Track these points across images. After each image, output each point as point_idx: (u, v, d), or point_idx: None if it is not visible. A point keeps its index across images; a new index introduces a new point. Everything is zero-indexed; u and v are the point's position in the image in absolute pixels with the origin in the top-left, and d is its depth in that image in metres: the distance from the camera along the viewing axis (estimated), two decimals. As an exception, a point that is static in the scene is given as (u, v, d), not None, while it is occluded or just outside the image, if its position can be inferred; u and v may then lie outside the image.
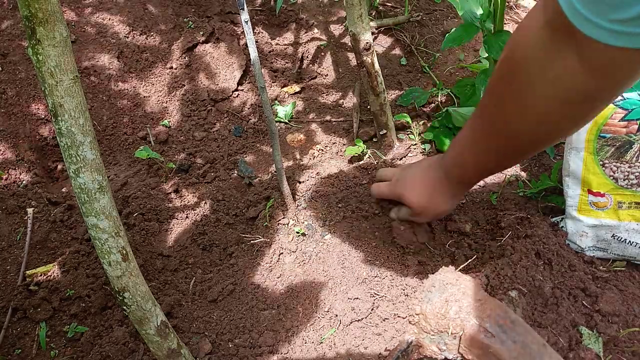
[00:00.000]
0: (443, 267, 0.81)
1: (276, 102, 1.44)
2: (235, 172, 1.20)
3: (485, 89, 0.72)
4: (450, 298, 0.73)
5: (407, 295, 0.87)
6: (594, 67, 0.54)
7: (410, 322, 0.79)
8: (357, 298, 0.87)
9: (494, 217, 1.03)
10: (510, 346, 0.65)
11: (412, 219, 0.95)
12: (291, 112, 1.39)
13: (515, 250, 0.89)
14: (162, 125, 1.38)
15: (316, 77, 1.53)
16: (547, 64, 0.58)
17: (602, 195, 0.93)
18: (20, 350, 0.85)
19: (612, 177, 0.92)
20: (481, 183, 1.14)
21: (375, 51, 1.15)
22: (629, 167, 0.90)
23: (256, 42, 1.57)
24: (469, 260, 0.91)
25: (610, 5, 0.46)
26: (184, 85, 1.46)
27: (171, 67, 1.49)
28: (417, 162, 0.99)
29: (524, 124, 0.66)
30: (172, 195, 1.15)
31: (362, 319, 0.84)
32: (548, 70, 0.58)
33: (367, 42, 1.10)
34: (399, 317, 0.84)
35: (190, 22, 1.56)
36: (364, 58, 1.12)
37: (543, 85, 0.60)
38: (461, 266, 0.86)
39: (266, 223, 1.02)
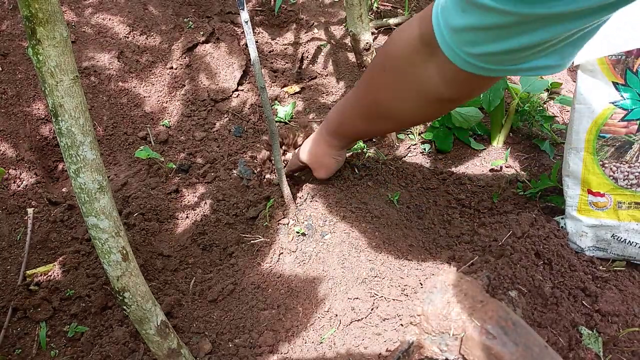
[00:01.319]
0: (445, 268, 0.81)
1: (276, 102, 1.44)
2: (235, 172, 1.20)
3: (367, 68, 0.86)
4: (452, 299, 0.73)
5: (408, 295, 0.87)
6: (447, 80, 0.67)
7: (411, 322, 0.79)
8: (357, 298, 0.87)
9: (495, 217, 1.03)
10: (512, 348, 0.65)
11: (314, 175, 1.06)
12: (291, 112, 1.39)
13: (515, 250, 0.89)
14: (162, 125, 1.38)
15: (316, 77, 1.53)
16: (415, 65, 0.70)
17: (602, 195, 0.93)
18: (20, 350, 0.85)
19: (611, 177, 0.92)
20: (481, 183, 1.14)
21: (375, 51, 1.15)
22: (629, 167, 0.90)
23: (256, 42, 1.57)
24: (471, 261, 0.91)
25: (467, 42, 0.58)
26: (184, 86, 1.46)
27: (171, 67, 1.49)
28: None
29: (388, 102, 0.80)
30: (172, 195, 1.15)
31: (362, 319, 0.84)
32: (415, 70, 0.71)
33: (367, 42, 1.10)
34: (399, 317, 0.84)
35: (190, 22, 1.56)
36: (364, 58, 1.12)
37: (408, 79, 0.73)
38: (462, 267, 0.86)
39: (266, 223, 1.02)
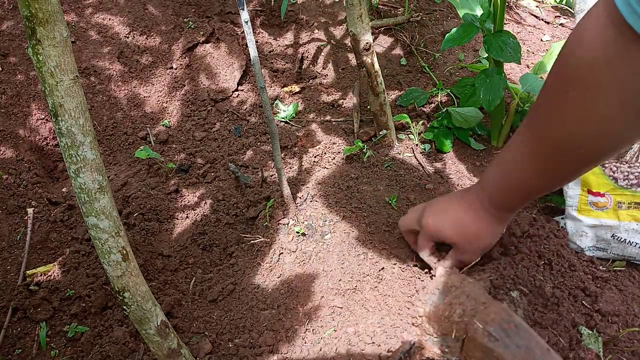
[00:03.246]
0: (447, 269, 0.81)
1: (277, 102, 1.44)
2: (231, 166, 1.20)
3: (538, 96, 0.65)
4: (454, 301, 0.73)
5: (409, 296, 0.87)
6: None
7: (413, 324, 0.79)
8: (358, 297, 0.87)
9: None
10: (514, 350, 0.65)
11: (460, 259, 0.83)
12: (292, 113, 1.39)
13: (517, 251, 0.89)
14: (162, 125, 1.38)
15: (316, 77, 1.53)
16: (614, 64, 0.52)
17: (602, 195, 0.93)
18: (20, 350, 0.85)
19: (611, 177, 0.92)
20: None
21: (375, 51, 1.15)
22: (629, 167, 0.90)
23: (256, 42, 1.57)
24: (472, 262, 0.91)
25: None
26: (184, 86, 1.46)
27: (171, 67, 1.49)
28: (443, 197, 0.89)
29: (585, 132, 0.59)
30: (172, 195, 1.15)
31: (362, 319, 0.84)
32: (615, 72, 0.53)
33: (367, 42, 1.10)
34: (400, 318, 0.84)
35: (190, 22, 1.56)
36: (364, 58, 1.12)
37: (609, 87, 0.54)
38: (465, 268, 0.86)
39: (266, 223, 1.02)
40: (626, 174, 0.91)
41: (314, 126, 1.35)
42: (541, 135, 0.65)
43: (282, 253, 0.96)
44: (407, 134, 1.29)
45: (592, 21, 0.54)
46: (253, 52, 0.83)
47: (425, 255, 0.88)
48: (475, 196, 0.79)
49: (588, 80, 0.55)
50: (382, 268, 0.91)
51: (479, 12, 1.17)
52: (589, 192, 0.94)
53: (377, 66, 1.14)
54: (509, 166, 0.72)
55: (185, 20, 1.57)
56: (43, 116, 1.31)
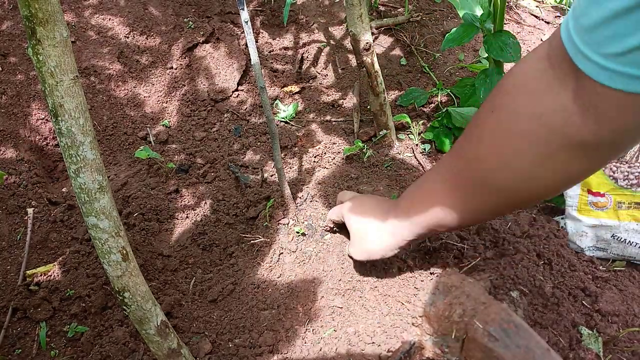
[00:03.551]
0: (447, 269, 0.81)
1: (277, 102, 1.44)
2: (231, 166, 1.20)
3: (472, 117, 0.63)
4: (454, 301, 0.73)
5: (409, 296, 0.87)
6: (587, 107, 0.46)
7: (413, 324, 0.79)
8: (358, 298, 0.87)
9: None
10: (514, 350, 0.65)
11: (348, 250, 0.85)
12: (292, 113, 1.39)
13: (517, 251, 0.89)
14: (162, 125, 1.38)
15: (316, 77, 1.53)
16: (537, 95, 0.51)
17: (602, 195, 0.93)
18: (20, 350, 0.85)
19: (611, 177, 0.92)
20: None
21: (375, 51, 1.15)
22: (629, 167, 0.90)
23: (256, 42, 1.57)
24: (473, 262, 0.91)
25: (605, 39, 0.41)
26: (184, 86, 1.46)
27: (171, 68, 1.49)
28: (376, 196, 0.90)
29: (495, 161, 0.57)
30: (172, 195, 1.15)
31: (362, 319, 0.84)
32: (537, 102, 0.51)
33: (367, 43, 1.10)
34: (400, 318, 0.83)
35: (190, 22, 1.56)
36: (364, 58, 1.12)
37: (530, 119, 0.52)
38: (465, 268, 0.86)
39: (266, 223, 1.02)
40: (626, 174, 0.91)
41: (314, 126, 1.35)
42: (456, 156, 0.64)
43: (282, 253, 0.96)
44: (407, 134, 1.29)
45: (532, 54, 0.54)
46: (253, 52, 0.83)
47: (329, 221, 0.93)
48: (388, 207, 0.78)
49: (512, 107, 0.54)
50: (382, 268, 0.91)
51: (479, 12, 1.17)
52: (589, 192, 0.94)
53: (377, 66, 1.14)
54: (428, 179, 0.71)
55: (185, 20, 1.57)
56: (43, 116, 1.31)
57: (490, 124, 0.57)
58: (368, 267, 0.89)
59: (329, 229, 0.97)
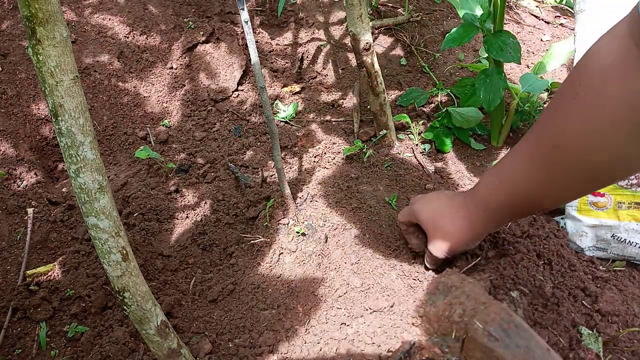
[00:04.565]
0: (447, 269, 0.81)
1: (277, 102, 1.44)
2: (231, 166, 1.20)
3: (549, 103, 0.63)
4: (454, 301, 0.73)
5: (409, 296, 0.87)
6: None
7: (413, 324, 0.79)
8: (358, 298, 0.87)
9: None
10: (514, 350, 0.65)
11: (429, 249, 0.83)
12: (292, 113, 1.39)
13: (517, 251, 0.89)
14: (162, 125, 1.38)
15: (316, 77, 1.53)
16: (627, 77, 0.50)
17: (602, 195, 0.93)
18: (20, 350, 0.85)
19: (612, 177, 0.92)
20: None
21: (375, 51, 1.15)
22: (629, 167, 0.90)
23: (256, 42, 1.57)
24: (473, 262, 0.91)
25: None
26: (184, 85, 1.46)
27: (171, 67, 1.49)
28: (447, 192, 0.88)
29: (585, 140, 0.56)
30: (172, 195, 1.15)
31: (362, 319, 0.84)
32: (626, 84, 0.50)
33: (367, 42, 1.10)
34: (400, 318, 0.84)
35: (190, 22, 1.56)
36: (364, 58, 1.12)
37: (617, 98, 0.51)
38: (465, 268, 0.86)
39: (266, 223, 1.02)
40: (626, 174, 0.91)
41: (314, 126, 1.35)
42: (543, 136, 0.63)
43: (282, 253, 0.96)
44: (407, 134, 1.29)
45: (612, 33, 0.53)
46: (253, 52, 0.83)
47: (401, 223, 0.89)
48: (463, 197, 0.78)
49: (598, 87, 0.53)
50: (382, 268, 0.91)
51: (479, 12, 1.17)
52: (589, 192, 0.94)
53: (377, 66, 1.14)
54: (508, 167, 0.70)
55: (185, 20, 1.57)
56: (43, 116, 1.31)
57: (576, 108, 0.56)
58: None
59: (403, 232, 0.88)
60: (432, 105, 1.38)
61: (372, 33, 1.57)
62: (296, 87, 1.49)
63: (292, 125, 1.37)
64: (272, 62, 1.54)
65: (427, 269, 0.89)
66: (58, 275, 0.93)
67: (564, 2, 1.87)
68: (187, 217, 1.10)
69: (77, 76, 0.53)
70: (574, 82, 0.57)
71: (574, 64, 0.59)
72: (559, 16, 1.81)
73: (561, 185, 0.63)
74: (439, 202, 0.80)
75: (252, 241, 1.00)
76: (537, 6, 1.83)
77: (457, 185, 1.16)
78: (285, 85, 1.50)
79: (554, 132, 0.60)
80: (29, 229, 1.02)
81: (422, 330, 0.76)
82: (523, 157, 0.66)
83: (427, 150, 1.25)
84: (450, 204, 0.78)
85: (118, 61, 1.44)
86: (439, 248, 0.80)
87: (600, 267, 0.93)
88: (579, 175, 0.60)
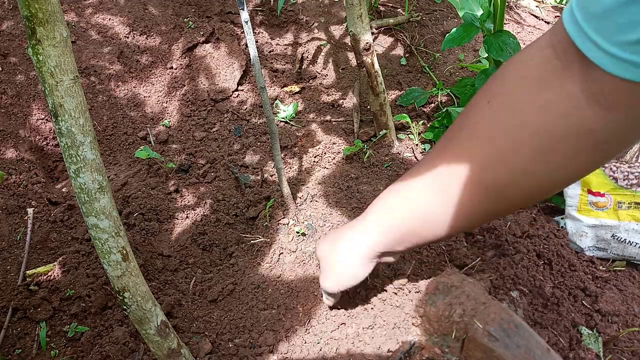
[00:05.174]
0: (447, 269, 0.80)
1: (277, 102, 1.44)
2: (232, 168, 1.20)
3: (462, 111, 0.58)
4: (454, 301, 0.73)
5: (409, 296, 0.87)
6: (597, 97, 0.44)
7: (413, 324, 0.79)
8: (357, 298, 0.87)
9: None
10: (514, 350, 0.65)
11: (321, 284, 0.75)
12: (292, 113, 1.39)
13: (517, 251, 0.89)
14: (162, 125, 1.38)
15: (316, 77, 1.53)
16: (542, 84, 0.48)
17: (602, 195, 0.93)
18: (20, 350, 0.85)
19: (611, 177, 0.92)
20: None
21: (375, 51, 1.15)
22: (629, 167, 0.90)
23: (256, 42, 1.57)
24: (473, 262, 0.91)
25: (620, 26, 0.39)
26: (184, 86, 1.46)
27: (171, 67, 1.49)
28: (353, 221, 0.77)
29: (488, 158, 0.52)
30: (172, 195, 1.15)
31: (362, 319, 0.84)
32: (541, 91, 0.48)
33: (367, 42, 1.10)
34: (400, 318, 0.83)
35: (190, 22, 1.56)
36: (364, 58, 1.12)
37: (531, 110, 0.48)
38: (465, 268, 0.86)
39: (266, 223, 1.02)
40: (626, 174, 0.91)
41: (314, 126, 1.35)
42: (447, 147, 0.57)
43: (282, 253, 0.96)
44: (407, 134, 1.29)
45: (534, 43, 0.51)
46: (253, 52, 0.83)
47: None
48: (350, 224, 0.71)
49: (511, 97, 0.51)
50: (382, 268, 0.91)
51: (479, 12, 1.17)
52: (589, 192, 0.94)
53: (377, 66, 1.14)
54: (403, 188, 0.63)
55: (185, 20, 1.57)
56: (43, 116, 1.31)
57: (487, 115, 0.53)
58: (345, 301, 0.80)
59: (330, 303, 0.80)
60: (432, 105, 1.38)
61: (372, 33, 1.57)
62: (296, 87, 1.49)
63: (292, 125, 1.37)
64: (272, 62, 1.54)
65: (330, 308, 0.83)
66: (58, 275, 0.93)
67: (564, 2, 1.87)
68: (187, 217, 1.10)
69: (77, 76, 0.53)
70: (488, 90, 0.54)
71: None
72: (559, 16, 1.81)
73: (460, 210, 0.56)
74: (335, 234, 0.73)
75: (252, 241, 1.00)
76: (537, 6, 1.83)
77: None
78: (285, 86, 1.50)
79: (458, 145, 0.56)
80: (29, 229, 1.02)
81: (422, 330, 0.75)
82: (421, 173, 0.60)
83: (427, 150, 1.25)
84: (346, 231, 0.70)
85: (118, 61, 1.44)
86: (329, 282, 0.72)
87: (600, 267, 0.93)
88: (476, 200, 0.55)
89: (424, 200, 0.59)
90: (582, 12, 0.43)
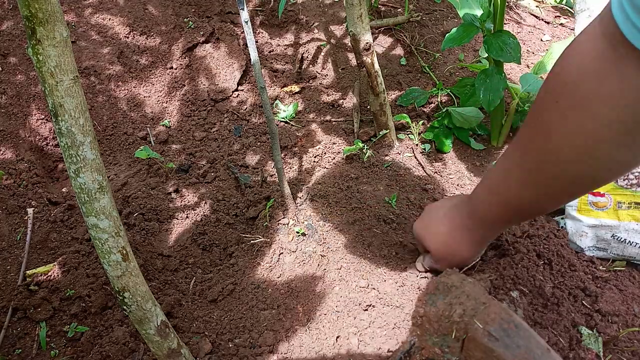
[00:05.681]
0: (447, 269, 0.81)
1: (277, 102, 1.44)
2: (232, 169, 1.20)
3: (529, 110, 0.62)
4: (454, 301, 0.73)
5: (409, 296, 0.87)
6: None
7: (413, 324, 0.79)
8: (357, 298, 0.87)
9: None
10: (514, 350, 0.65)
11: (435, 267, 0.86)
12: (292, 113, 1.39)
13: (517, 251, 0.89)
14: (162, 125, 1.38)
15: (316, 77, 1.53)
16: (603, 78, 0.49)
17: (602, 195, 0.93)
18: (20, 350, 0.85)
19: (612, 177, 0.92)
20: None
21: (375, 51, 1.15)
22: (629, 167, 0.90)
23: (256, 42, 1.57)
24: (473, 262, 0.91)
25: None
26: (184, 86, 1.46)
27: (171, 67, 1.49)
28: (445, 199, 0.89)
29: (571, 148, 0.55)
30: (172, 195, 1.15)
31: (362, 319, 0.84)
32: (604, 86, 0.49)
33: (367, 42, 1.10)
34: (400, 318, 0.84)
35: (190, 22, 1.56)
36: (364, 58, 1.12)
37: (597, 102, 0.50)
38: (465, 268, 0.86)
39: (266, 223, 1.02)
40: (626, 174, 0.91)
41: (314, 126, 1.35)
42: (528, 153, 0.62)
43: (282, 253, 0.96)
44: (407, 134, 1.29)
45: (586, 35, 0.52)
46: (253, 52, 0.83)
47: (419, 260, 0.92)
48: (457, 212, 0.80)
49: (576, 93, 0.53)
50: (382, 268, 0.91)
51: (479, 12, 1.17)
52: (589, 192, 0.94)
53: (377, 66, 1.14)
54: (497, 179, 0.70)
55: (185, 20, 1.57)
56: (43, 116, 1.31)
57: (557, 114, 0.55)
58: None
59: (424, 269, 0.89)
60: (432, 105, 1.38)
61: (372, 33, 1.57)
62: (296, 87, 1.49)
63: (292, 125, 1.37)
64: (272, 62, 1.54)
65: (418, 270, 0.91)
66: (58, 275, 0.93)
67: (564, 2, 1.87)
68: (187, 217, 1.10)
69: (77, 76, 0.53)
70: (551, 88, 0.57)
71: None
72: (559, 16, 1.81)
73: (550, 194, 0.63)
74: (437, 228, 0.83)
75: (252, 241, 1.00)
76: (537, 6, 1.83)
77: (457, 185, 1.16)
78: (285, 86, 1.50)
79: (537, 144, 0.60)
80: (29, 229, 1.02)
81: (422, 330, 0.75)
82: (511, 167, 0.67)
83: (427, 150, 1.25)
84: (451, 226, 0.80)
85: (118, 61, 1.44)
86: (447, 266, 0.82)
87: (600, 267, 0.93)
88: (568, 184, 0.60)
89: (518, 193, 0.66)
90: (634, 9, 0.44)
